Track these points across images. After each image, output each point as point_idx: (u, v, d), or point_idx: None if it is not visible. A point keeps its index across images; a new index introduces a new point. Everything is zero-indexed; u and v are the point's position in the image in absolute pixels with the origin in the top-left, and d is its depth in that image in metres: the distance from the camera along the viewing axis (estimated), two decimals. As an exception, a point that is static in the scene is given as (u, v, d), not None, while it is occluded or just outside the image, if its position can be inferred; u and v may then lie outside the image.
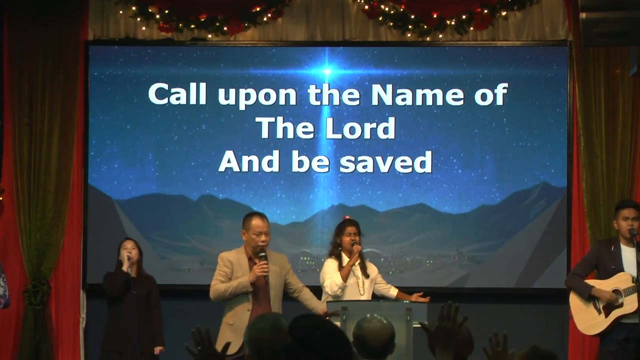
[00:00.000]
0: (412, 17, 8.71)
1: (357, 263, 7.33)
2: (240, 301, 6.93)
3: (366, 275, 7.35)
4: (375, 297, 7.46)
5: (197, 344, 3.48)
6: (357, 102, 8.81)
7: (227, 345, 3.60)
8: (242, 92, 8.84)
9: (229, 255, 7.05)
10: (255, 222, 6.98)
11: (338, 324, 6.60)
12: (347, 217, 7.68)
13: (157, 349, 7.74)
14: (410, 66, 8.79)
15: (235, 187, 8.83)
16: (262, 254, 6.87)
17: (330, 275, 7.29)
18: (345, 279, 7.23)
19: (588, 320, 7.42)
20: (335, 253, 7.39)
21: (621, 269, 7.35)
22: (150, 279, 7.90)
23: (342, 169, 8.80)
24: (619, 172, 8.54)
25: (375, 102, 8.80)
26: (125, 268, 7.68)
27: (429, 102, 8.77)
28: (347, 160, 8.79)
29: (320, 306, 7.00)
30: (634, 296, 7.22)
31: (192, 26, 8.82)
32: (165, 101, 8.87)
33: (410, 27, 8.73)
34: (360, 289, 7.27)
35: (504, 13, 8.71)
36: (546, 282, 8.64)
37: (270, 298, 6.92)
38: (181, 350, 8.87)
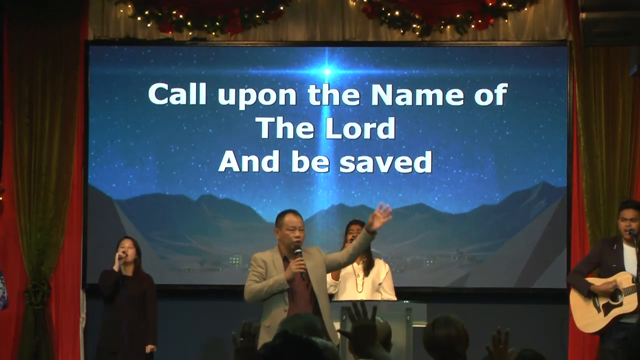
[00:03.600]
0: (412, 17, 8.71)
1: (362, 261, 7.38)
2: (276, 302, 6.67)
3: (367, 273, 7.36)
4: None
5: (242, 335, 3.52)
6: (357, 102, 8.81)
7: (267, 344, 3.61)
8: (242, 92, 8.84)
9: (262, 255, 6.83)
10: (289, 217, 6.79)
11: (338, 324, 6.63)
12: (357, 218, 7.72)
13: (149, 348, 7.72)
14: (410, 66, 8.79)
15: (235, 187, 8.83)
16: (298, 250, 6.69)
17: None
18: (336, 277, 7.35)
19: (587, 318, 7.45)
20: None
21: (622, 268, 7.37)
22: (148, 278, 7.89)
23: (342, 169, 8.79)
24: (619, 172, 8.54)
25: (375, 102, 8.80)
26: (115, 267, 7.68)
27: (429, 102, 8.77)
28: (347, 160, 8.79)
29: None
30: (634, 296, 7.23)
31: (192, 26, 8.82)
32: (165, 101, 8.87)
33: (410, 27, 8.73)
34: (357, 286, 7.29)
35: (504, 13, 8.71)
36: (546, 282, 8.64)
37: (315, 292, 6.66)
38: (181, 350, 8.86)
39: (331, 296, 7.41)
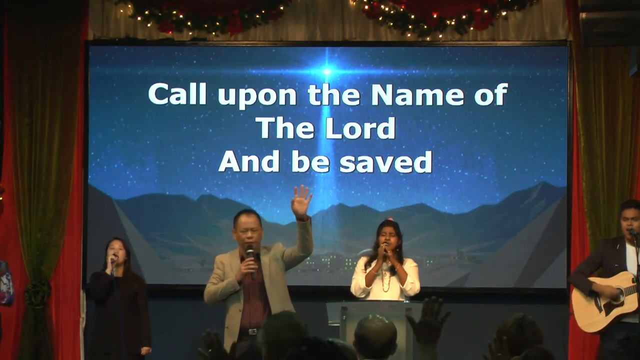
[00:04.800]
0: (412, 17, 8.71)
1: (390, 262, 7.39)
2: (232, 302, 6.79)
3: (392, 272, 7.37)
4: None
5: (207, 346, 3.52)
6: (357, 102, 8.81)
7: (235, 345, 3.61)
8: (242, 92, 8.84)
9: (222, 257, 6.95)
10: (241, 219, 6.83)
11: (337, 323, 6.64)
12: (390, 218, 7.71)
13: (144, 349, 7.71)
14: (410, 66, 8.79)
15: (235, 187, 8.83)
16: (250, 250, 6.72)
17: (355, 276, 7.47)
18: (369, 283, 7.35)
19: (588, 317, 7.43)
20: (372, 254, 7.49)
21: (624, 268, 7.36)
22: (139, 279, 7.89)
23: (342, 169, 8.79)
24: (619, 172, 8.54)
25: (375, 102, 8.80)
26: (108, 271, 7.65)
27: (429, 102, 8.77)
28: (347, 160, 8.79)
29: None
30: (635, 295, 7.22)
31: (192, 26, 8.82)
32: (165, 101, 8.87)
33: (410, 27, 8.73)
34: (384, 285, 7.35)
35: (504, 13, 8.71)
36: (546, 282, 8.64)
37: (267, 290, 6.74)
38: (180, 350, 8.85)
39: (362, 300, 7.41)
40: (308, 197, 6.68)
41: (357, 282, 7.40)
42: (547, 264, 8.66)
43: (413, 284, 7.36)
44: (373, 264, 7.43)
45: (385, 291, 7.32)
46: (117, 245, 7.78)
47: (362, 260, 7.51)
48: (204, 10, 8.80)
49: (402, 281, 7.35)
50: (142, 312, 7.76)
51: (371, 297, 7.36)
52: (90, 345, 7.88)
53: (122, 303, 7.60)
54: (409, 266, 7.46)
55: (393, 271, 7.40)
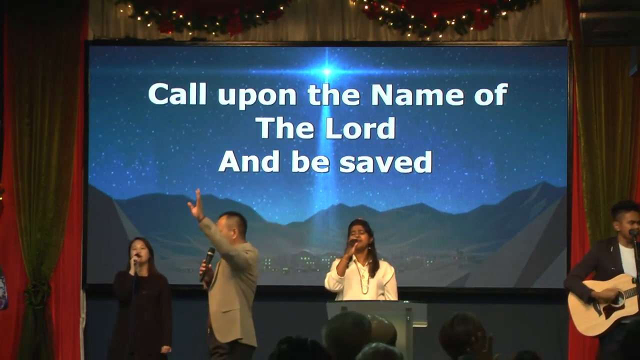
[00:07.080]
0: (412, 17, 8.72)
1: (367, 263, 7.36)
2: None
3: (372, 275, 7.37)
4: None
5: None
6: (357, 102, 8.81)
7: (272, 353, 3.62)
8: (242, 92, 8.84)
9: None
10: None
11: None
12: (360, 218, 7.71)
13: (164, 348, 7.75)
14: (410, 66, 8.79)
15: (235, 187, 8.83)
16: (209, 252, 7.14)
17: (330, 271, 7.46)
18: (341, 272, 7.35)
19: (588, 321, 7.39)
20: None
21: (621, 271, 7.33)
22: (162, 278, 7.92)
23: (342, 169, 8.79)
24: (619, 172, 8.54)
25: (375, 102, 8.80)
26: (132, 272, 7.67)
27: (429, 102, 8.77)
28: (347, 160, 8.79)
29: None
30: (635, 298, 7.19)
31: (192, 26, 8.83)
32: (165, 101, 8.87)
33: (410, 27, 8.74)
34: (363, 287, 7.31)
35: (504, 13, 8.72)
36: (546, 282, 8.64)
37: (210, 287, 7.13)
38: (180, 350, 8.86)
39: (338, 293, 7.41)
40: (199, 199, 6.91)
41: (330, 274, 7.40)
42: (547, 264, 8.66)
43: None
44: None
45: (365, 293, 7.30)
46: (139, 245, 7.80)
47: (337, 261, 7.49)
48: (204, 10, 8.80)
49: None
50: (166, 311, 7.80)
51: (350, 297, 7.30)
52: (113, 345, 7.81)
53: (147, 302, 7.65)
54: (390, 273, 7.44)
55: (372, 273, 7.37)
